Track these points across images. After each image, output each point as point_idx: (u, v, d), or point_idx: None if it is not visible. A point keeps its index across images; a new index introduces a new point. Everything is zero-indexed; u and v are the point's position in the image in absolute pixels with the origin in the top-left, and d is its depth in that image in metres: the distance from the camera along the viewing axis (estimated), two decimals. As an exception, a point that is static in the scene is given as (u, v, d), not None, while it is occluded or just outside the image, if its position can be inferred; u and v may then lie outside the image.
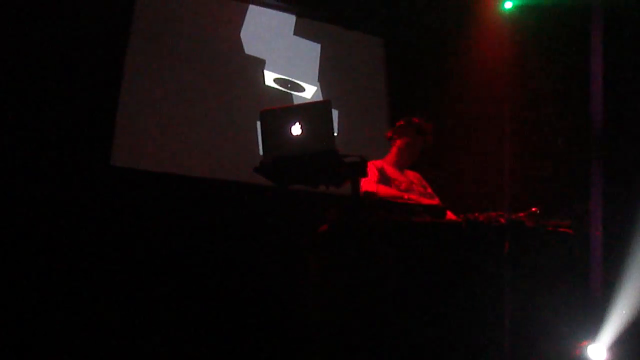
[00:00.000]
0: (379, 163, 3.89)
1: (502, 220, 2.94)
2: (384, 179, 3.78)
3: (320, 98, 5.73)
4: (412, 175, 3.99)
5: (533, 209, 3.06)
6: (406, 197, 3.55)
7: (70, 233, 4.36)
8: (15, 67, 4.43)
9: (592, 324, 3.09)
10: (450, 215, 3.27)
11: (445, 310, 2.75)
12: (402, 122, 4.00)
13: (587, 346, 3.00)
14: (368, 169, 3.71)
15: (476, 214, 2.96)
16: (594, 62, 5.24)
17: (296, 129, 2.67)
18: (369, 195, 3.47)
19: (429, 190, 3.91)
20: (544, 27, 5.97)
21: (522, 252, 2.87)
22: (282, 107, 2.97)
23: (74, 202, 4.42)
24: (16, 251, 4.15)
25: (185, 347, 4.47)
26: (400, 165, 3.96)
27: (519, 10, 6.31)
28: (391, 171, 3.87)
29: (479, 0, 6.36)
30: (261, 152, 2.81)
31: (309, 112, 2.74)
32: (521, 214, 3.04)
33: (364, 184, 3.66)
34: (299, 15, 5.95)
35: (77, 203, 4.43)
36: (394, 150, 3.99)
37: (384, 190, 3.59)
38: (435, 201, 3.67)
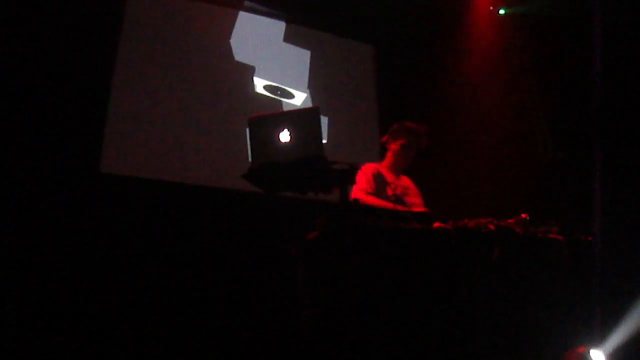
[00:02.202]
0: (375, 167, 3.91)
1: (492, 227, 2.94)
2: (380, 182, 3.80)
3: (310, 105, 5.73)
4: (406, 181, 4.01)
5: (522, 216, 3.06)
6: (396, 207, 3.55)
7: (60, 239, 4.33)
8: (4, 74, 4.40)
9: (586, 330, 3.08)
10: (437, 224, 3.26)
11: (435, 317, 2.74)
12: (396, 126, 4.04)
13: (582, 352, 2.99)
14: (362, 175, 3.73)
15: (465, 221, 2.96)
16: (593, 66, 5.25)
17: (284, 136, 2.67)
18: (358, 202, 3.46)
19: (419, 199, 3.92)
20: (540, 33, 6.01)
21: (511, 259, 2.88)
22: (270, 114, 2.96)
23: (63, 208, 4.40)
24: (5, 257, 4.12)
25: (176, 354, 4.45)
26: (397, 169, 3.99)
27: (513, 17, 6.36)
28: (388, 175, 3.91)
29: (469, 6, 6.41)
30: (250, 159, 2.80)
31: (297, 119, 2.74)
32: (510, 221, 3.04)
33: (355, 195, 3.65)
34: (288, 22, 5.96)
35: (66, 209, 4.41)
36: (389, 154, 4.03)
37: (373, 202, 3.59)
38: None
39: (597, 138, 5.06)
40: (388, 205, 3.58)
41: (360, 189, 3.69)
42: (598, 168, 5.01)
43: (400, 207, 3.58)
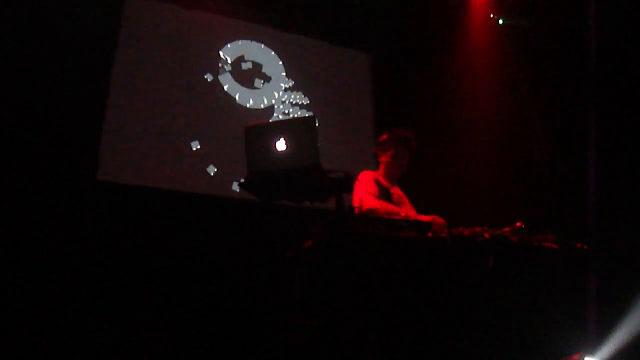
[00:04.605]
0: (373, 174, 3.91)
1: (487, 235, 2.94)
2: (380, 189, 3.79)
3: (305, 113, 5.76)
4: (399, 190, 4.01)
5: (518, 224, 3.06)
6: (403, 213, 3.54)
7: (57, 247, 4.33)
8: (2, 83, 4.41)
9: (581, 338, 3.08)
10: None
11: (430, 325, 2.74)
12: (384, 136, 4.05)
13: (577, 360, 2.99)
14: (367, 180, 3.72)
15: (461, 229, 2.97)
16: (589, 73, 5.27)
17: (281, 145, 2.67)
18: (370, 212, 3.42)
19: (412, 210, 3.93)
20: (537, 43, 6.03)
21: (506, 267, 2.88)
22: (266, 123, 2.98)
23: (60, 216, 4.41)
24: (1, 264, 4.12)
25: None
26: (391, 179, 3.98)
27: (511, 27, 6.39)
28: (385, 184, 3.90)
29: (467, 14, 6.44)
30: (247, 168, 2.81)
31: (294, 128, 2.75)
32: (506, 229, 3.04)
33: (365, 199, 3.64)
34: (284, 30, 5.97)
35: (63, 217, 4.42)
36: (382, 165, 4.01)
37: (384, 206, 3.58)
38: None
39: (592, 145, 5.08)
40: (399, 210, 3.58)
41: (370, 193, 3.67)
42: (593, 176, 5.03)
43: (411, 214, 3.57)
